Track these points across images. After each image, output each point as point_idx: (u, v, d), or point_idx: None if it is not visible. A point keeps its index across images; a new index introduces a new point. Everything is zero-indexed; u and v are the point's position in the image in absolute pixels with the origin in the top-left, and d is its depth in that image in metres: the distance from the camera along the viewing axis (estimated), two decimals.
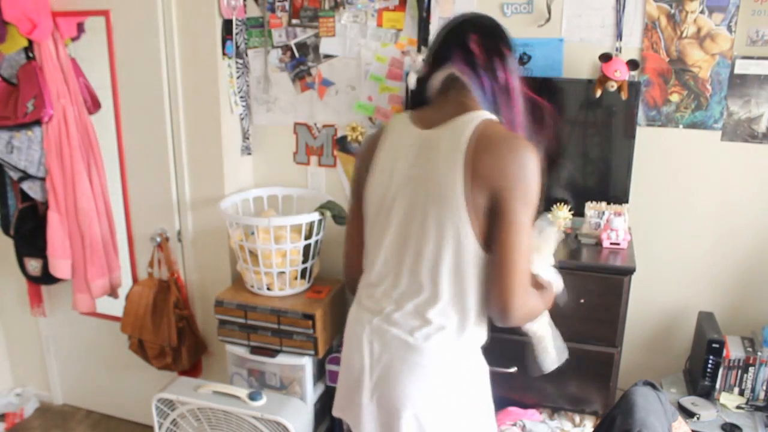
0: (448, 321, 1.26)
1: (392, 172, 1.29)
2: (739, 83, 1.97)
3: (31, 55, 2.24)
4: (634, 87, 1.97)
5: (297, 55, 2.40)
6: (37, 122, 2.24)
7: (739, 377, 1.95)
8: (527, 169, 1.16)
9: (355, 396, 1.34)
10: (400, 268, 1.29)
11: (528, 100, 1.32)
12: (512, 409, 2.07)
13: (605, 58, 1.95)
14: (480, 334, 1.32)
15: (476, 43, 1.26)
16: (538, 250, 1.35)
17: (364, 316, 1.34)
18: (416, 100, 1.38)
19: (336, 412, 1.46)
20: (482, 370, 1.37)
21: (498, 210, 1.17)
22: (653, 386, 1.62)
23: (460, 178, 1.18)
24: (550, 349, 1.45)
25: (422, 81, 1.36)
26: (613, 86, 1.95)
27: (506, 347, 1.96)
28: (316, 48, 2.37)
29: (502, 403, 2.09)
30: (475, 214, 1.19)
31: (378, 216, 1.33)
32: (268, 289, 2.27)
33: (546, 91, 2.09)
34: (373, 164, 1.35)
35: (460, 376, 1.29)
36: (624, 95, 1.95)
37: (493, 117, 1.25)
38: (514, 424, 2.01)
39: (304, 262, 2.26)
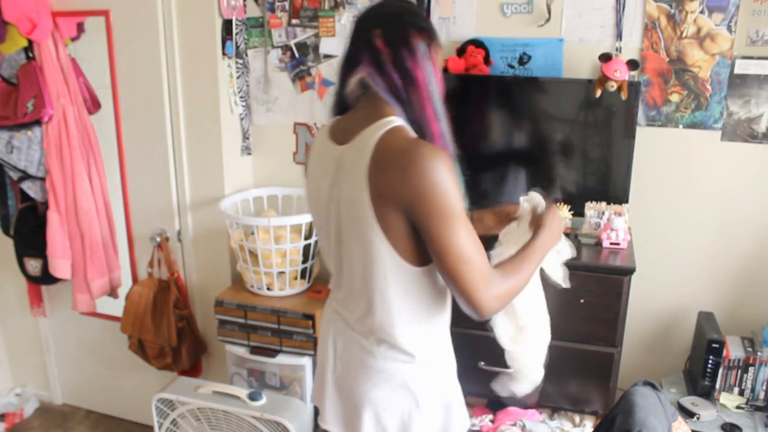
0: (388, 331, 1.24)
1: (320, 192, 1.26)
2: (739, 83, 1.97)
3: (31, 55, 2.24)
4: (634, 87, 1.96)
5: (297, 55, 2.40)
6: (37, 122, 2.24)
7: (739, 377, 1.95)
8: (431, 179, 1.07)
9: (322, 387, 1.38)
10: (342, 283, 1.30)
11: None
12: (512, 409, 2.07)
13: (605, 58, 1.95)
14: (428, 341, 1.28)
15: (380, 37, 1.16)
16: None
17: (332, 316, 1.38)
18: (340, 107, 1.29)
19: (312, 400, 1.50)
20: (442, 372, 1.33)
21: (417, 225, 1.11)
22: (653, 386, 1.62)
23: (367, 199, 1.12)
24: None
25: (339, 88, 1.26)
26: (613, 86, 1.94)
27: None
28: (316, 48, 2.37)
29: (502, 403, 2.09)
30: (394, 233, 1.13)
31: (320, 233, 1.33)
32: (268, 289, 2.27)
33: (546, 91, 2.10)
34: (308, 182, 1.34)
35: (416, 379, 1.27)
36: (624, 95, 1.95)
37: (401, 123, 1.16)
38: (514, 424, 2.01)
39: (304, 262, 2.26)
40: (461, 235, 1.11)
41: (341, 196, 1.19)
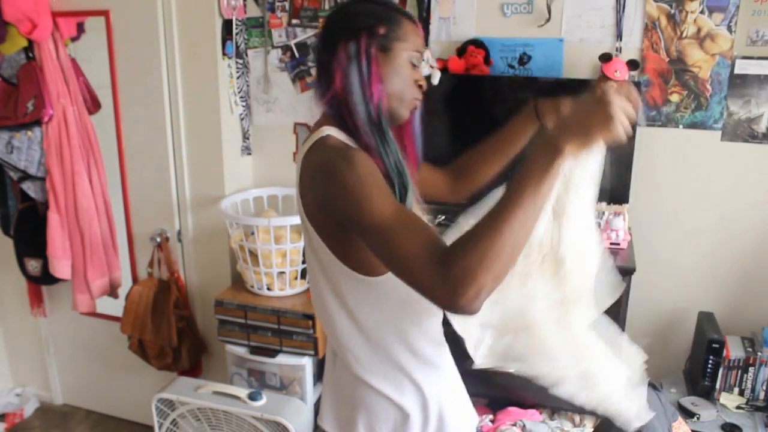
0: (357, 347, 1.20)
1: None
2: (739, 83, 1.97)
3: (31, 55, 2.24)
4: (634, 87, 1.96)
5: (297, 55, 2.40)
6: (37, 122, 2.24)
7: (739, 377, 1.95)
8: (337, 181, 1.00)
9: (324, 386, 1.37)
10: (314, 296, 1.28)
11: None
12: (512, 409, 2.07)
13: (605, 58, 1.95)
14: (407, 355, 1.20)
15: (321, 47, 1.15)
16: None
17: None
18: None
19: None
20: (428, 381, 1.24)
21: (349, 229, 1.04)
22: (653, 386, 1.62)
23: (304, 215, 1.13)
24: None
25: None
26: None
27: None
28: (316, 48, 2.37)
29: (502, 403, 2.09)
30: (337, 244, 1.10)
31: None
32: (268, 289, 2.27)
33: (546, 91, 2.10)
34: None
35: (401, 392, 1.22)
36: None
37: (329, 132, 1.12)
38: (514, 424, 2.01)
39: (304, 262, 2.26)
40: (378, 216, 0.96)
41: (298, 208, 1.20)
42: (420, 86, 1.19)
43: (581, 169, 0.96)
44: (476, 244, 0.88)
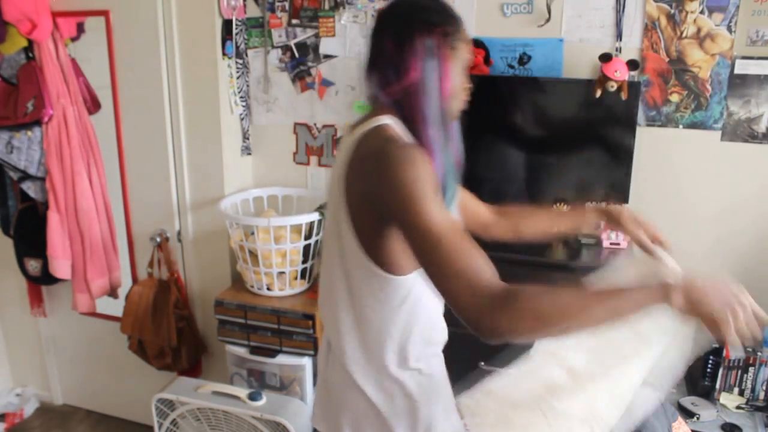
0: (355, 340, 1.18)
1: (330, 184, 1.23)
2: (739, 83, 1.97)
3: (31, 55, 2.24)
4: (634, 87, 1.96)
5: (297, 55, 2.40)
6: (37, 122, 2.24)
7: (739, 377, 1.95)
8: (393, 180, 0.99)
9: (318, 386, 1.36)
10: (321, 285, 1.27)
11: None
12: None
13: (605, 58, 1.95)
14: (403, 358, 1.19)
15: (386, 36, 1.13)
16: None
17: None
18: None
19: None
20: (419, 392, 1.21)
21: (394, 227, 1.03)
22: (653, 386, 1.62)
23: (343, 199, 1.10)
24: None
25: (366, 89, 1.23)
26: (613, 86, 1.95)
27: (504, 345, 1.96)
28: (316, 48, 2.37)
29: None
30: (366, 235, 1.08)
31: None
32: (268, 289, 2.27)
33: (546, 91, 2.10)
34: None
35: (390, 402, 1.20)
36: (624, 95, 1.95)
37: (388, 122, 1.11)
38: None
39: (304, 262, 2.26)
40: (432, 218, 0.97)
41: (330, 189, 1.18)
42: (466, 90, 1.20)
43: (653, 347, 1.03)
44: (545, 307, 0.91)
